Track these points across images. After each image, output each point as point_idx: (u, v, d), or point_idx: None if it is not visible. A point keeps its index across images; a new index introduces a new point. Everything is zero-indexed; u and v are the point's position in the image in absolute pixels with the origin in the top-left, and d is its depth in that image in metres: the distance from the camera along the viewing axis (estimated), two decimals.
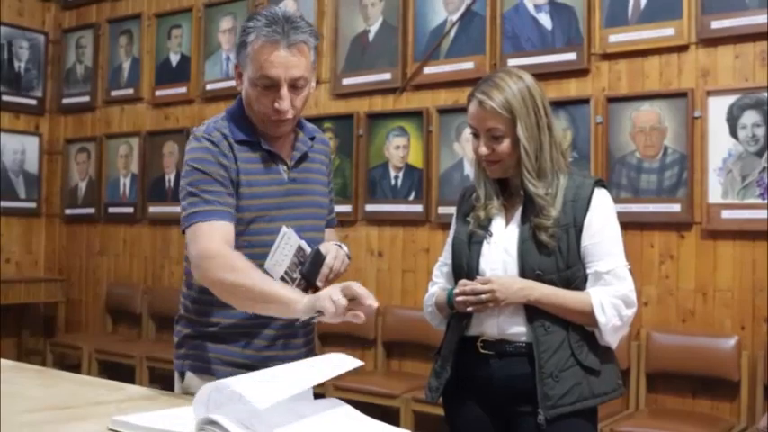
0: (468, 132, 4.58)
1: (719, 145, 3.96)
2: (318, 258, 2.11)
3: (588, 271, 2.19)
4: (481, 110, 2.19)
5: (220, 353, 2.11)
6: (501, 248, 2.22)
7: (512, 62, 4.48)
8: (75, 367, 5.84)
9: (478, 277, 2.19)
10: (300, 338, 2.24)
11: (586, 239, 2.17)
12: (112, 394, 2.01)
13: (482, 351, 2.21)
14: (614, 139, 4.25)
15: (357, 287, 1.79)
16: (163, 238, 6.25)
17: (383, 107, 5.15)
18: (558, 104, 4.20)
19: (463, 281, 2.20)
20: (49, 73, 7.12)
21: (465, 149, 4.74)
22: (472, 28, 4.77)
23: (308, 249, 2.11)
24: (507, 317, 2.19)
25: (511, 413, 2.21)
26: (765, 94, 3.86)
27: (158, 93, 6.34)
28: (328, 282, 2.14)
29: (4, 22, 6.76)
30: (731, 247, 3.96)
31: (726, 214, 3.93)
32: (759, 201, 3.85)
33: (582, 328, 2.18)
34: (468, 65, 4.75)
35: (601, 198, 2.21)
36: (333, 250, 2.16)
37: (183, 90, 6.17)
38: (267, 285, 1.93)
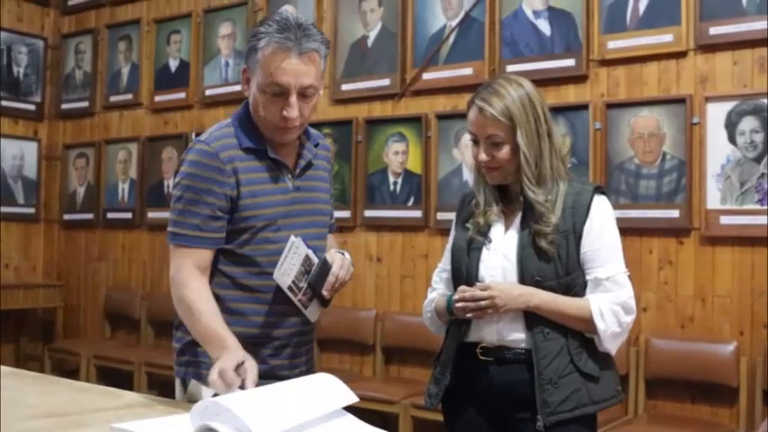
0: (467, 138, 4.62)
1: (718, 151, 3.96)
2: (325, 268, 2.11)
3: (588, 277, 2.18)
4: (481, 117, 2.19)
5: None
6: (500, 255, 2.22)
7: (510, 68, 4.48)
8: (73, 373, 5.83)
9: (478, 284, 2.19)
10: (305, 347, 2.24)
11: (586, 246, 2.17)
12: (111, 401, 2.01)
13: (481, 357, 2.21)
14: (613, 145, 4.25)
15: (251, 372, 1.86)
16: (162, 244, 6.22)
17: (382, 113, 5.15)
18: (557, 110, 4.19)
19: (462, 287, 2.20)
20: (48, 78, 7.12)
21: (464, 155, 4.74)
22: (471, 34, 4.77)
23: (314, 259, 2.11)
24: (506, 323, 2.18)
25: (510, 419, 2.20)
26: (764, 101, 3.86)
27: (157, 98, 6.34)
28: (334, 290, 2.15)
29: (3, 28, 6.76)
30: (730, 253, 3.96)
31: (724, 220, 3.93)
32: (758, 206, 3.86)
33: (581, 334, 2.17)
34: (466, 71, 4.75)
35: (600, 205, 2.21)
36: (338, 260, 2.16)
37: (182, 95, 6.17)
38: (201, 326, 2.02)
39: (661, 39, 4.15)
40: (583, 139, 4.33)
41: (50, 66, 7.13)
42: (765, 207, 3.83)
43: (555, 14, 4.48)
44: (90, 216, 6.74)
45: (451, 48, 4.86)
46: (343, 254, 2.22)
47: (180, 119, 6.22)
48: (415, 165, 4.98)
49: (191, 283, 2.05)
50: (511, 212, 2.26)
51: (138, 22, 6.51)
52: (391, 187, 5.08)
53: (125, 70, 6.60)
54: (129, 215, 6.45)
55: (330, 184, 2.34)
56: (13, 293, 6.40)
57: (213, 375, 1.83)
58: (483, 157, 2.21)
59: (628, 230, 3.68)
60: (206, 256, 2.08)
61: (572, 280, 2.17)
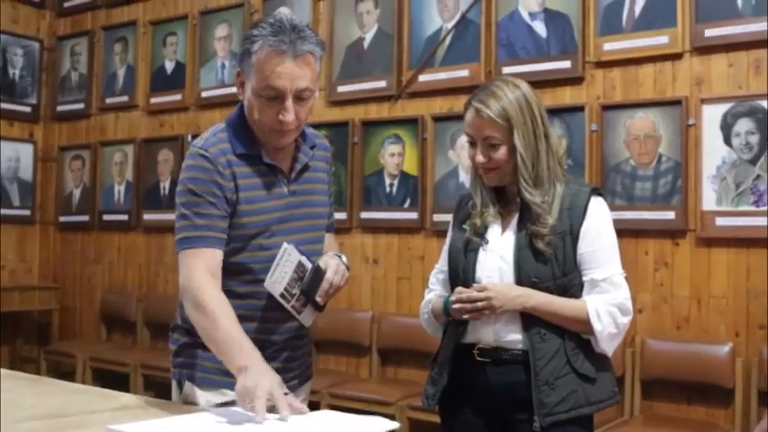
0: (463, 140, 4.62)
1: (713, 152, 3.97)
2: (318, 274, 2.10)
3: (584, 279, 2.19)
4: (478, 118, 2.19)
5: (222, 363, 2.08)
6: (497, 256, 2.22)
7: (506, 70, 4.49)
8: (69, 375, 5.83)
9: (475, 285, 2.19)
10: (301, 350, 2.23)
11: (583, 247, 2.17)
12: (107, 403, 2.00)
13: (478, 358, 2.21)
14: (609, 146, 4.26)
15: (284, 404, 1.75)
16: (158, 246, 6.24)
17: (378, 115, 5.16)
18: (553, 112, 4.20)
19: (459, 288, 2.20)
20: (44, 80, 7.12)
21: (460, 157, 4.75)
22: (467, 36, 4.78)
23: (308, 265, 2.09)
24: (503, 324, 2.19)
25: (507, 420, 2.21)
26: (759, 102, 3.87)
27: (153, 100, 6.34)
28: (328, 296, 2.14)
29: None
30: (725, 255, 3.97)
31: (720, 221, 3.94)
32: (753, 208, 3.87)
33: (578, 335, 2.17)
34: (463, 72, 4.76)
35: (597, 206, 2.21)
36: (333, 265, 2.14)
37: (178, 97, 6.17)
38: (220, 334, 1.91)
39: (657, 40, 4.16)
40: (579, 141, 4.34)
41: (46, 67, 7.12)
42: (760, 209, 3.84)
43: (551, 16, 4.49)
44: (86, 218, 6.73)
45: (448, 49, 4.87)
46: (339, 257, 2.21)
47: (176, 121, 6.21)
48: (411, 166, 4.99)
49: (206, 289, 1.97)
50: (508, 214, 2.26)
51: (134, 23, 6.51)
52: (387, 189, 5.08)
53: (121, 72, 6.60)
54: (124, 217, 6.44)
55: (329, 184, 2.32)
56: (8, 296, 6.38)
57: (261, 400, 1.71)
58: (480, 158, 2.21)
59: (623, 232, 3.69)
60: (218, 256, 2.03)
61: (569, 281, 2.17)
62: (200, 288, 1.97)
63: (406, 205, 4.99)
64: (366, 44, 5.22)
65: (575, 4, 4.39)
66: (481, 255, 2.24)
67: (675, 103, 4.08)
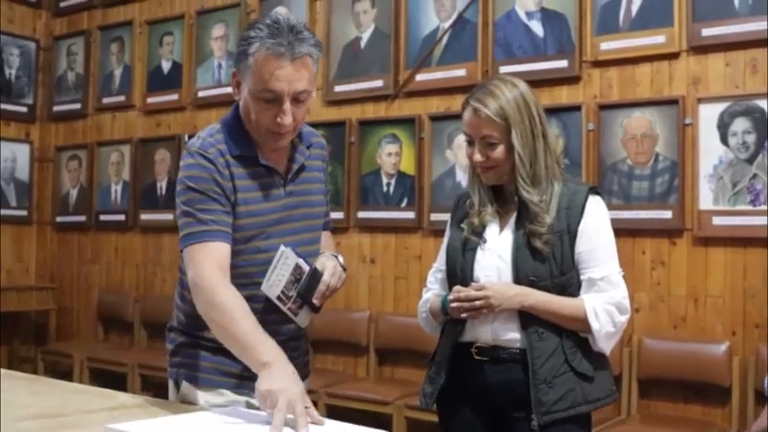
0: (460, 139, 4.63)
1: (710, 152, 3.97)
2: (315, 277, 2.10)
3: (582, 277, 2.19)
4: (476, 117, 2.19)
5: (220, 363, 2.07)
6: (495, 255, 2.22)
7: (503, 69, 4.49)
8: (66, 375, 5.82)
9: (473, 284, 2.19)
10: (299, 350, 2.23)
11: (580, 246, 2.18)
12: (105, 402, 2.00)
13: (476, 357, 2.21)
14: (606, 146, 4.26)
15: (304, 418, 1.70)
16: (155, 246, 6.23)
17: (375, 114, 5.16)
18: (550, 111, 4.16)
19: (457, 287, 2.20)
20: (40, 80, 7.11)
21: (457, 156, 4.75)
22: (464, 35, 4.78)
23: (305, 267, 2.09)
24: (501, 323, 2.19)
25: (505, 419, 2.21)
26: (756, 102, 3.88)
27: (150, 100, 6.34)
28: (325, 298, 2.13)
29: None
30: (722, 254, 3.97)
31: (717, 221, 3.95)
32: (750, 207, 3.87)
33: (575, 334, 2.18)
34: (460, 72, 4.76)
35: (595, 205, 2.22)
36: (330, 267, 2.14)
37: (174, 97, 6.16)
38: (240, 330, 1.87)
39: (654, 40, 4.16)
40: (575, 140, 4.34)
41: (42, 68, 7.11)
42: (757, 208, 3.85)
43: (548, 16, 4.49)
44: (83, 218, 6.72)
45: (444, 49, 4.87)
46: (336, 257, 2.20)
47: (173, 120, 6.21)
48: (408, 166, 4.99)
49: (219, 286, 1.93)
50: (505, 213, 2.26)
51: (131, 23, 6.50)
52: (384, 188, 5.08)
53: (117, 72, 6.59)
54: (121, 217, 6.44)
55: (325, 183, 2.31)
56: (5, 296, 6.37)
57: (281, 414, 1.66)
58: (478, 157, 2.21)
59: (620, 231, 3.66)
60: (226, 251, 2.00)
61: (566, 280, 2.18)
62: (213, 286, 1.93)
63: (403, 205, 4.99)
64: (363, 44, 5.22)
65: (571, 4, 4.40)
66: (479, 254, 2.24)
67: (672, 102, 4.09)
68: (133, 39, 6.48)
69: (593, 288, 2.17)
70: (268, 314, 2.09)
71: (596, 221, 2.20)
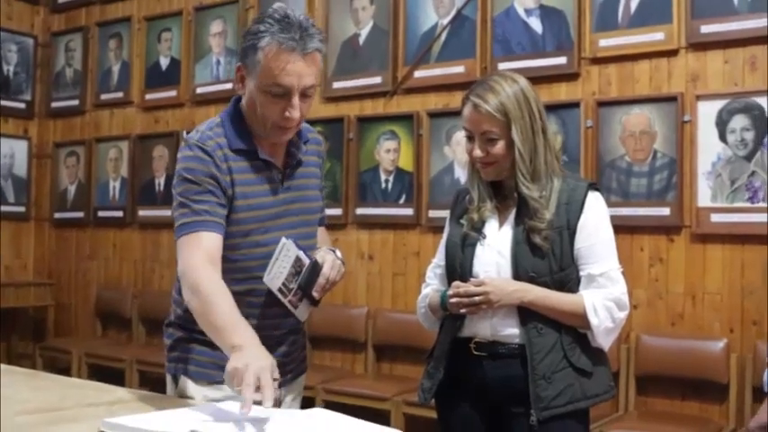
0: (458, 136, 4.64)
1: (709, 149, 3.97)
2: (316, 269, 2.11)
3: (581, 273, 2.19)
4: (476, 113, 2.19)
5: (217, 358, 2.03)
6: (494, 250, 2.22)
7: (502, 66, 4.49)
8: (64, 371, 5.80)
9: (472, 279, 2.19)
10: (296, 344, 2.23)
11: (580, 242, 2.18)
12: (103, 396, 2.00)
13: (475, 352, 2.22)
14: (604, 142, 4.26)
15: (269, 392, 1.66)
16: (153, 242, 6.23)
17: (374, 111, 5.16)
18: (549, 108, 4.13)
19: (457, 282, 2.20)
20: (39, 76, 7.09)
21: (455, 153, 4.75)
22: (463, 32, 4.78)
23: (305, 260, 2.10)
24: (500, 318, 2.19)
25: (503, 414, 2.21)
26: (754, 99, 3.88)
27: (148, 96, 6.33)
28: (324, 291, 2.14)
29: None
30: (720, 251, 3.98)
31: (715, 218, 3.95)
32: (748, 204, 3.88)
33: (574, 330, 2.18)
34: (458, 68, 4.76)
35: (594, 201, 2.22)
36: (329, 260, 2.15)
37: (172, 93, 6.15)
38: (217, 315, 1.86)
39: (652, 37, 4.16)
40: (574, 137, 4.34)
41: (40, 64, 7.10)
42: (755, 205, 3.85)
43: (547, 12, 4.49)
44: (81, 214, 6.72)
45: (443, 46, 4.86)
46: (334, 252, 2.21)
47: (171, 117, 6.20)
48: (406, 163, 4.99)
49: (203, 274, 1.92)
50: (505, 208, 2.26)
51: (129, 19, 6.49)
52: (383, 185, 5.08)
53: (116, 68, 6.58)
54: (120, 213, 6.43)
55: (321, 179, 2.32)
56: (3, 292, 6.36)
57: (250, 388, 1.63)
58: (478, 153, 2.21)
59: (619, 228, 3.64)
60: (217, 241, 2.00)
61: (566, 276, 2.18)
62: (197, 274, 1.93)
63: (402, 201, 4.99)
64: (361, 40, 5.21)
65: (570, 1, 4.39)
66: (479, 249, 2.24)
67: (671, 99, 4.09)
68: (131, 35, 6.47)
69: (593, 284, 2.17)
70: (268, 308, 2.09)
71: (596, 217, 2.20)
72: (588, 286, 2.18)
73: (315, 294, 2.12)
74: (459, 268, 2.26)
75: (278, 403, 2.08)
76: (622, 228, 4.03)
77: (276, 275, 2.06)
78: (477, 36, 4.70)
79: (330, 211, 4.67)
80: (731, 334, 3.92)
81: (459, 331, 2.25)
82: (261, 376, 1.65)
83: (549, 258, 2.16)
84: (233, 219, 2.06)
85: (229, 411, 1.77)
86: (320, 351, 5.25)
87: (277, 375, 1.73)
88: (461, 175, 4.64)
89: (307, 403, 1.89)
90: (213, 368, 2.08)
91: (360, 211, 5.16)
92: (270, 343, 2.11)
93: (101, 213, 6.58)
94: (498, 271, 2.20)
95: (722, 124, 3.95)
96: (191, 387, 2.11)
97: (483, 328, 2.21)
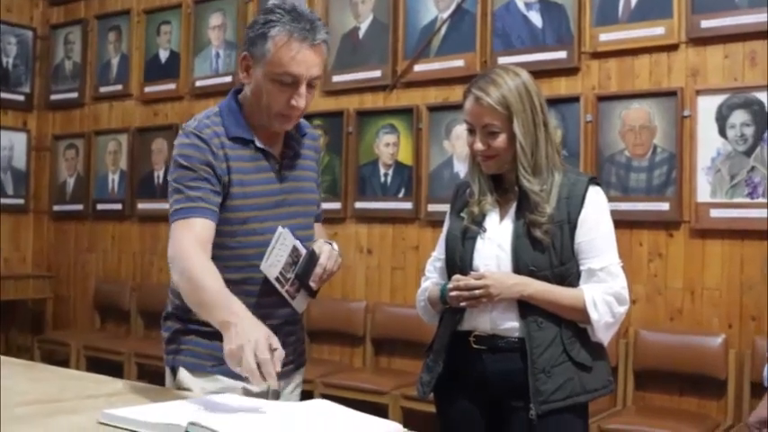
0: (458, 130, 4.63)
1: (708, 144, 3.97)
2: (313, 259, 2.11)
3: (581, 268, 2.19)
4: (477, 106, 2.19)
5: (216, 349, 2.03)
6: (495, 244, 2.22)
7: (502, 60, 4.48)
8: (63, 364, 5.79)
9: (472, 272, 2.19)
10: (293, 336, 2.23)
11: (580, 236, 2.18)
12: (102, 388, 2.00)
13: (475, 346, 2.22)
14: (604, 137, 4.26)
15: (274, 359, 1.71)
16: (151, 235, 6.23)
17: (373, 104, 5.15)
18: (549, 103, 4.07)
19: (457, 276, 2.20)
20: (38, 69, 7.08)
21: (455, 147, 4.75)
22: (463, 26, 4.77)
23: (302, 249, 2.10)
24: (500, 312, 2.19)
25: (503, 408, 2.21)
26: (754, 94, 3.88)
27: (147, 89, 6.32)
28: (322, 281, 2.15)
29: None
30: (719, 246, 3.98)
31: (714, 213, 3.95)
32: (747, 200, 3.87)
33: (574, 324, 2.18)
34: (458, 62, 4.75)
35: (595, 195, 2.22)
36: (326, 250, 2.16)
37: (172, 86, 6.15)
38: (206, 292, 1.89)
39: (653, 31, 4.15)
40: (574, 132, 4.34)
41: (39, 56, 7.09)
42: (755, 200, 3.85)
43: (547, 6, 4.48)
44: (80, 207, 6.71)
45: (443, 40, 4.86)
46: (331, 244, 2.22)
47: (170, 110, 6.20)
48: (405, 156, 4.98)
49: (192, 256, 1.95)
50: (505, 202, 2.26)
51: (128, 12, 6.48)
52: (382, 179, 5.08)
53: (115, 61, 6.57)
54: (118, 206, 6.43)
55: (318, 174, 2.34)
56: (2, 285, 6.36)
57: (249, 361, 1.66)
58: (479, 146, 2.21)
59: (618, 223, 3.62)
60: (209, 227, 2.02)
61: (566, 270, 2.18)
62: (186, 255, 1.96)
63: (401, 195, 4.99)
64: (361, 34, 5.21)
65: None
66: (479, 243, 2.24)
67: (671, 94, 4.09)
68: (131, 28, 6.46)
69: (593, 278, 2.17)
70: (265, 297, 2.10)
71: (596, 212, 2.20)
72: (588, 281, 2.18)
73: (312, 284, 2.12)
74: (459, 262, 2.26)
75: (276, 395, 2.09)
76: (621, 223, 4.01)
77: (273, 263, 2.06)
78: (477, 30, 4.69)
79: (329, 205, 4.68)
80: (730, 329, 3.92)
81: (458, 325, 2.25)
82: (258, 353, 1.68)
83: (550, 252, 2.16)
84: (229, 206, 2.07)
85: (227, 403, 1.77)
86: (319, 345, 5.25)
87: (276, 344, 1.75)
88: (461, 169, 4.64)
89: (305, 397, 1.90)
90: (211, 360, 2.09)
91: (359, 204, 5.16)
92: None
93: (100, 206, 6.58)
94: (498, 264, 2.20)
95: (722, 119, 3.95)
96: (188, 379, 2.12)
97: (483, 322, 2.21)
